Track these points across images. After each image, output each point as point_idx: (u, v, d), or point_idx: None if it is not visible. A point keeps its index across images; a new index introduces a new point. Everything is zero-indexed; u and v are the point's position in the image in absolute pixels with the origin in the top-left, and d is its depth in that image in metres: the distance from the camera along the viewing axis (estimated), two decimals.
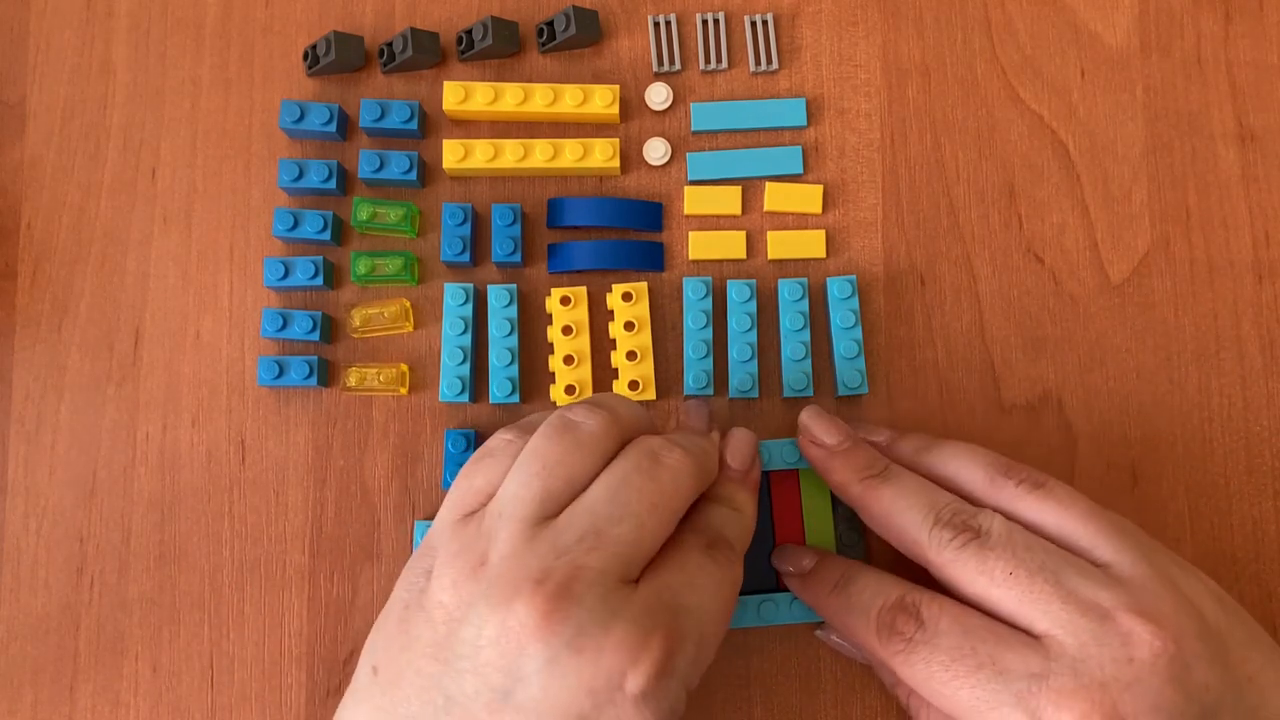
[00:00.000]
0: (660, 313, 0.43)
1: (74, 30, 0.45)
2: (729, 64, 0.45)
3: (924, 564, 0.36)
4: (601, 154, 0.43)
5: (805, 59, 0.45)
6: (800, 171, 0.44)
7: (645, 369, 0.42)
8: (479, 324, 0.43)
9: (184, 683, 0.41)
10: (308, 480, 0.42)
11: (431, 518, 0.41)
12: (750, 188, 0.44)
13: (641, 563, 0.32)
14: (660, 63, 0.45)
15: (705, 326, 0.42)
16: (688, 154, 0.44)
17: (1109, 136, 0.44)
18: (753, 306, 0.42)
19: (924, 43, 0.45)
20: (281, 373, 0.42)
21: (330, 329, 0.43)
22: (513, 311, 0.42)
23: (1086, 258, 0.43)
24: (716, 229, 0.44)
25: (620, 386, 0.42)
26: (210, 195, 0.44)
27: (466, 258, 0.42)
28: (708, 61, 0.44)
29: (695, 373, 0.42)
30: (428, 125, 0.44)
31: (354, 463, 0.42)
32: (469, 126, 0.44)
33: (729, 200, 0.44)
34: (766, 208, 0.44)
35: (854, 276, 0.42)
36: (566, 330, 0.42)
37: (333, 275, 0.43)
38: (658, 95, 0.44)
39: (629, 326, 0.42)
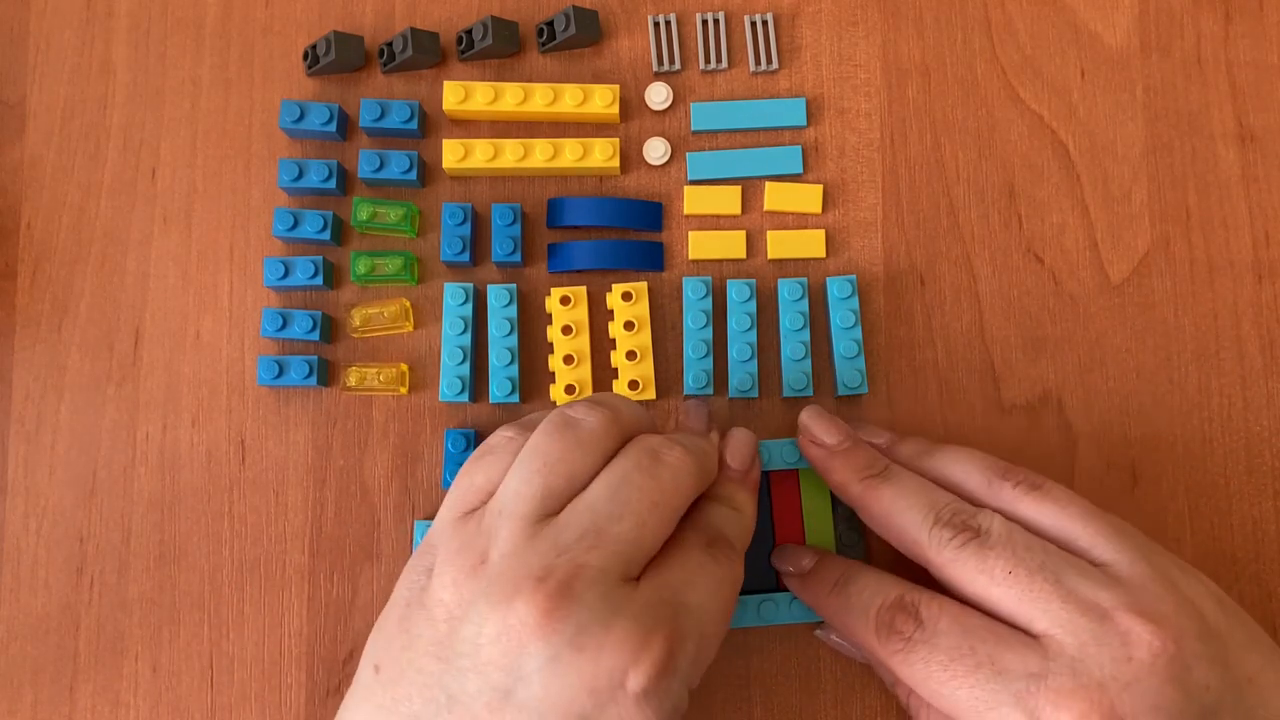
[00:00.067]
0: (660, 312, 0.43)
1: (74, 30, 0.45)
2: (729, 64, 0.45)
3: (924, 564, 0.36)
4: (601, 154, 0.43)
5: (805, 59, 0.45)
6: (800, 171, 0.44)
7: (645, 369, 0.42)
8: (479, 324, 0.43)
9: (184, 683, 0.41)
10: (308, 480, 0.42)
11: (431, 518, 0.41)
12: (750, 187, 0.44)
13: (642, 561, 0.32)
14: (660, 62, 0.45)
15: (705, 326, 0.42)
16: (688, 154, 0.44)
17: (1109, 136, 0.44)
18: (752, 306, 0.42)
19: (924, 43, 0.45)
20: (281, 372, 0.42)
21: (330, 329, 0.43)
22: (513, 311, 0.42)
23: (1086, 258, 0.43)
24: (716, 229, 0.44)
25: (620, 386, 0.42)
26: (210, 195, 0.44)
27: (466, 257, 0.42)
28: (708, 61, 0.44)
29: (695, 372, 0.42)
30: (428, 125, 0.44)
31: (354, 463, 0.42)
32: (469, 126, 0.44)
33: (729, 200, 0.44)
34: (766, 207, 0.44)
35: (854, 276, 0.42)
36: (566, 330, 0.42)
37: (333, 275, 0.43)
38: (658, 95, 0.44)
39: (629, 326, 0.42)
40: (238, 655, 0.41)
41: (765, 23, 0.45)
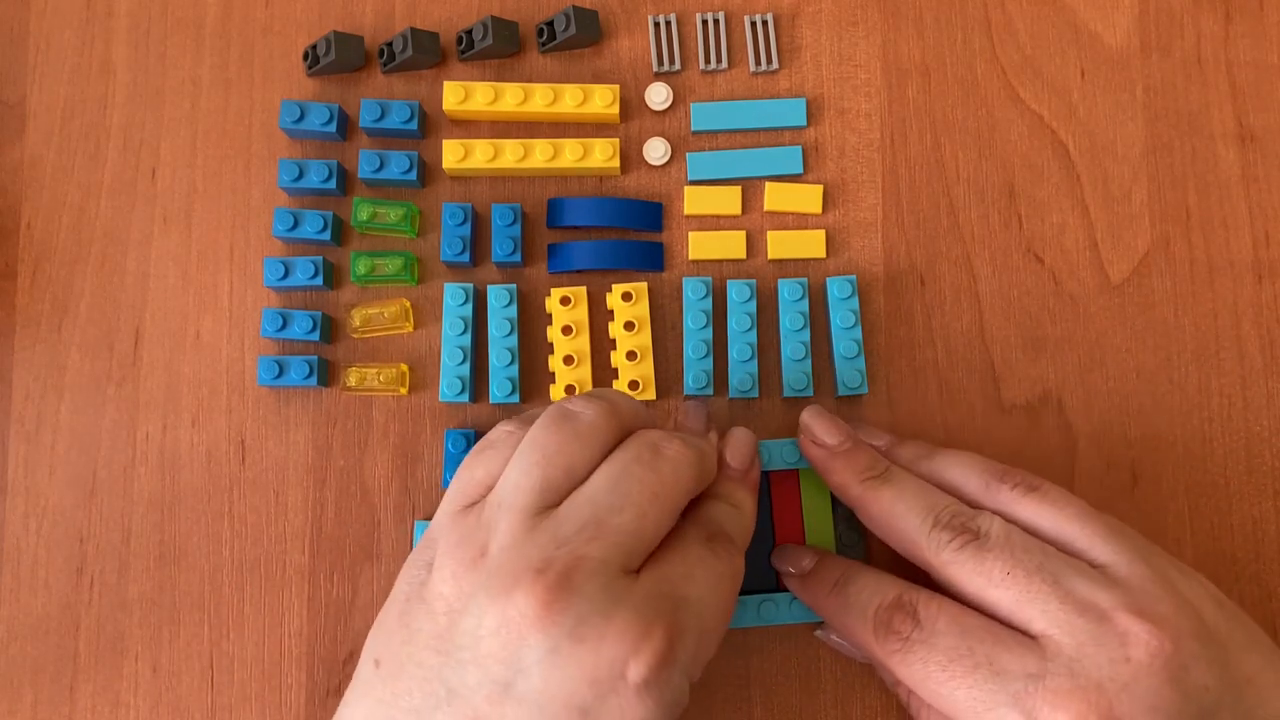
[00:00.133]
0: (660, 313, 0.43)
1: (74, 30, 0.45)
2: (729, 64, 0.45)
3: (923, 566, 0.36)
4: (601, 154, 0.43)
5: (805, 59, 0.45)
6: (800, 171, 0.44)
7: (645, 369, 0.42)
8: (479, 324, 0.43)
9: (184, 683, 0.41)
10: (308, 480, 0.42)
11: (431, 518, 0.41)
12: (750, 188, 0.44)
13: (642, 553, 0.32)
14: (660, 63, 0.45)
15: (705, 326, 0.42)
16: (688, 154, 0.44)
17: (1109, 136, 0.44)
18: (753, 306, 0.42)
19: (924, 43, 0.45)
20: (281, 373, 0.42)
21: (330, 329, 0.43)
22: (513, 311, 0.42)
23: (1086, 258, 0.43)
24: (716, 229, 0.44)
25: (620, 386, 0.42)
26: (210, 195, 0.44)
27: (466, 258, 0.42)
28: (708, 61, 0.44)
29: (695, 373, 0.42)
30: (428, 125, 0.44)
31: (354, 463, 0.42)
32: (469, 126, 0.44)
33: (729, 200, 0.44)
34: (766, 208, 0.44)
35: (854, 276, 0.42)
36: (566, 330, 0.42)
37: (333, 275, 0.43)
38: (658, 95, 0.44)
39: (629, 326, 0.42)
40: (238, 655, 0.41)
41: (765, 23, 0.45)
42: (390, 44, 0.44)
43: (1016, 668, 0.32)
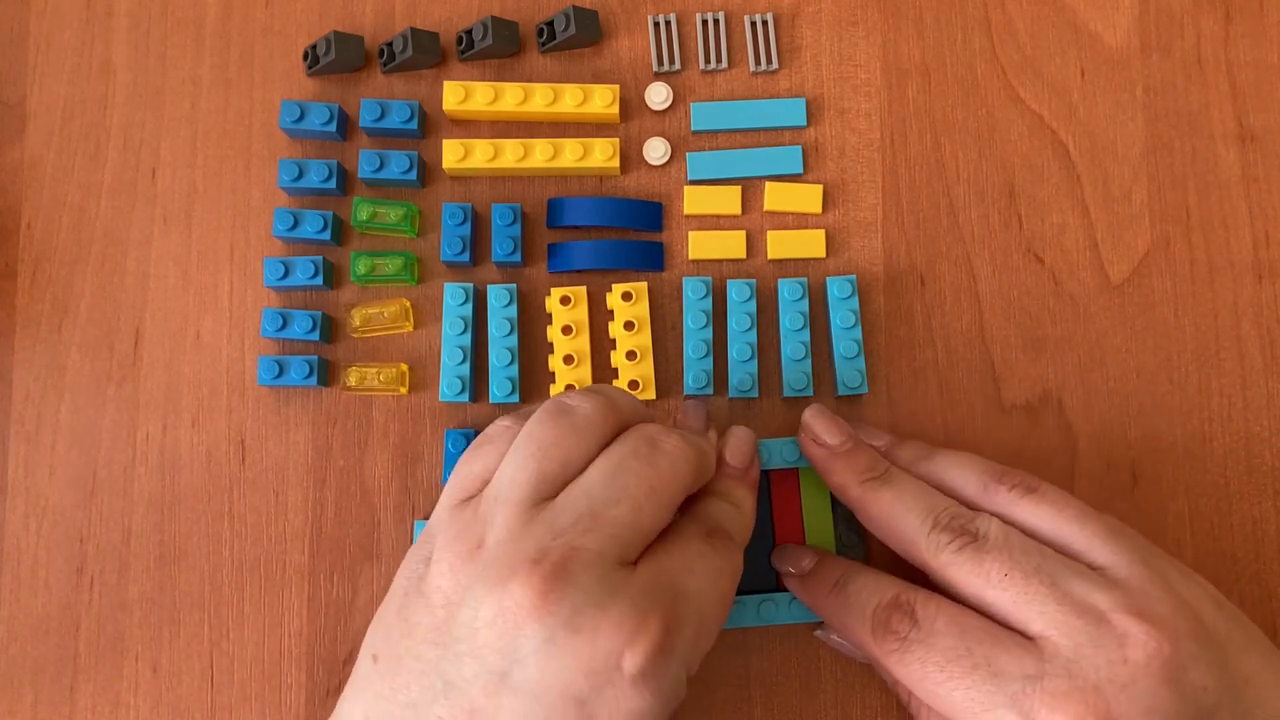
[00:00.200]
0: (660, 312, 0.43)
1: (74, 30, 0.45)
2: (729, 64, 0.45)
3: (921, 567, 0.36)
4: (601, 154, 0.43)
5: (805, 59, 0.45)
6: (800, 171, 0.44)
7: (645, 369, 0.42)
8: (479, 324, 0.43)
9: (184, 683, 0.41)
10: (308, 480, 0.42)
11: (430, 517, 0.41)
12: (750, 188, 0.44)
13: (639, 546, 0.32)
14: (660, 62, 0.45)
15: (705, 326, 0.42)
16: (688, 154, 0.44)
17: (1109, 136, 0.44)
18: (753, 306, 0.42)
19: (924, 43, 0.45)
20: (281, 372, 0.42)
21: (330, 329, 0.43)
22: (513, 311, 0.42)
23: (1086, 258, 0.43)
24: (716, 229, 0.44)
25: (620, 386, 0.42)
26: (210, 195, 0.44)
27: (466, 257, 0.42)
28: (708, 61, 0.44)
29: (695, 372, 0.42)
30: (428, 125, 0.44)
31: (354, 463, 0.42)
32: (469, 126, 0.44)
33: (729, 200, 0.44)
34: (766, 208, 0.44)
35: (854, 276, 0.42)
36: (566, 330, 0.42)
37: (333, 275, 0.43)
38: (658, 95, 0.44)
39: (629, 326, 0.42)
40: (238, 655, 0.41)
41: (765, 23, 0.45)
42: (390, 44, 0.44)
43: (1014, 669, 0.32)
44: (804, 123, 0.44)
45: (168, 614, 0.41)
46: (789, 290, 0.42)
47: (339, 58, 0.43)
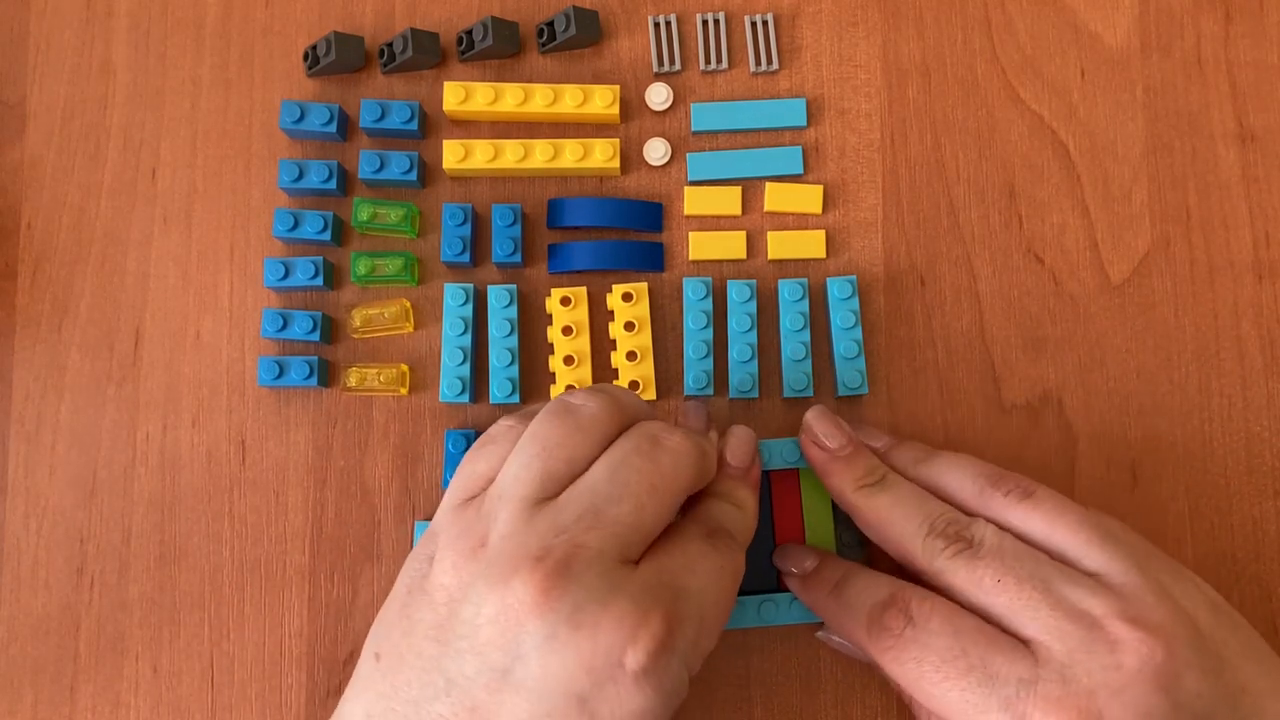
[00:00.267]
0: (660, 313, 0.43)
1: (74, 30, 0.45)
2: (729, 64, 0.45)
3: (917, 573, 0.36)
4: (601, 154, 0.43)
5: (805, 59, 0.45)
6: (800, 171, 0.44)
7: (645, 369, 0.42)
8: (479, 324, 0.43)
9: (184, 683, 0.41)
10: (308, 480, 0.42)
11: (431, 518, 0.41)
12: (750, 188, 0.44)
13: (641, 544, 0.32)
14: (660, 63, 0.45)
15: (705, 327, 0.42)
16: (688, 154, 0.44)
17: (1109, 136, 0.44)
18: (753, 307, 0.42)
19: (924, 43, 0.45)
20: (282, 373, 0.42)
21: (330, 329, 0.43)
22: (513, 312, 0.42)
23: (1086, 258, 0.43)
24: (716, 229, 0.44)
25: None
26: (210, 195, 0.44)
27: (466, 258, 0.42)
28: (708, 61, 0.44)
29: (695, 373, 0.42)
30: (428, 125, 0.44)
31: (354, 463, 0.42)
32: (469, 127, 0.44)
33: (729, 200, 0.44)
34: (766, 208, 0.44)
35: (854, 277, 0.42)
36: (566, 330, 0.42)
37: (333, 275, 0.43)
38: (658, 95, 0.44)
39: (629, 327, 0.42)
40: (238, 655, 0.41)
41: (765, 23, 0.45)
42: (390, 44, 0.44)
43: (1009, 672, 0.32)
44: (804, 123, 0.44)
45: (168, 614, 0.41)
46: (789, 291, 0.42)
47: (339, 58, 0.43)
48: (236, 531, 0.42)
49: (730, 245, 0.43)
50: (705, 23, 0.45)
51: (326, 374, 0.43)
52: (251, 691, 0.41)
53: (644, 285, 0.42)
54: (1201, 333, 0.43)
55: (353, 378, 0.42)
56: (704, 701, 0.41)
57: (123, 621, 0.41)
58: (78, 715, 0.41)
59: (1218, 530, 0.42)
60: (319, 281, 0.42)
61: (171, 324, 0.43)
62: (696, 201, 0.44)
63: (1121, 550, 0.34)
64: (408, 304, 0.43)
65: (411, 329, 0.43)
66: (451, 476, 0.41)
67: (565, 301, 0.42)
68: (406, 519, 0.42)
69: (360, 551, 0.42)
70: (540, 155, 0.43)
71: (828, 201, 0.44)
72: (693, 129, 0.44)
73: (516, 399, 0.42)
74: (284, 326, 0.42)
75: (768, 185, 0.44)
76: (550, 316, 0.42)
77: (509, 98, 0.43)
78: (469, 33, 0.44)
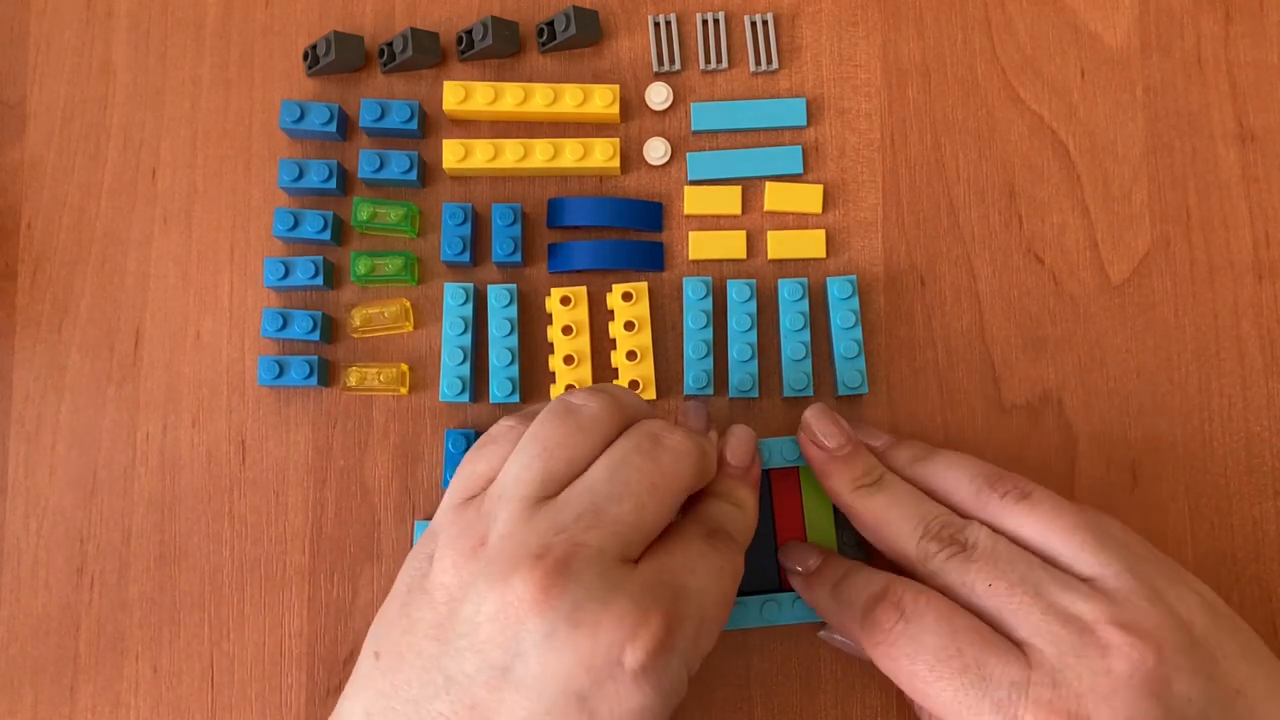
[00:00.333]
0: (660, 313, 0.43)
1: (74, 30, 0.45)
2: (729, 64, 0.45)
3: (912, 575, 0.36)
4: (601, 154, 0.43)
5: (805, 59, 0.45)
6: (800, 171, 0.44)
7: (645, 369, 0.42)
8: (479, 324, 0.43)
9: (184, 683, 0.41)
10: (308, 480, 0.42)
11: (431, 518, 0.41)
12: (750, 188, 0.44)
13: (641, 543, 0.32)
14: (660, 63, 0.45)
15: (705, 326, 0.42)
16: (688, 154, 0.44)
17: (1109, 136, 0.44)
18: (753, 306, 0.42)
19: (924, 43, 0.45)
20: (282, 373, 0.42)
21: (330, 329, 0.43)
22: (513, 311, 0.42)
23: (1086, 258, 0.43)
24: (716, 229, 0.44)
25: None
26: (210, 195, 0.44)
27: (466, 258, 0.42)
28: (708, 61, 0.44)
29: (695, 372, 0.42)
30: (428, 125, 0.44)
31: (354, 463, 0.42)
32: (469, 126, 0.44)
33: (729, 200, 0.44)
34: (766, 208, 0.44)
35: (854, 276, 0.42)
36: (566, 330, 0.42)
37: (333, 275, 0.43)
38: (658, 95, 0.44)
39: (629, 326, 0.42)
40: (238, 655, 0.41)
41: (765, 23, 0.45)
42: (390, 44, 0.44)
43: (1002, 674, 0.32)
44: (804, 123, 0.44)
45: (168, 614, 0.41)
46: (789, 290, 0.42)
47: (339, 58, 0.43)
48: (236, 531, 0.42)
49: (730, 245, 0.43)
50: (705, 22, 0.45)
51: (326, 374, 0.43)
52: (251, 691, 0.41)
53: (644, 285, 0.42)
54: (1201, 333, 0.43)
55: (353, 377, 0.42)
56: (704, 701, 0.41)
57: (123, 621, 0.41)
58: (78, 715, 0.41)
59: (1218, 530, 0.42)
60: (319, 281, 0.42)
61: (171, 324, 0.43)
62: (696, 201, 0.44)
63: (1116, 554, 0.34)
64: (408, 303, 0.43)
65: (411, 328, 0.43)
66: (451, 476, 0.41)
67: (565, 301, 0.42)
68: (406, 519, 0.42)
69: (360, 551, 0.42)
70: (540, 155, 0.43)
71: (828, 201, 0.44)
72: (693, 129, 0.44)
73: (516, 398, 0.42)
74: (284, 326, 0.42)
75: (768, 185, 0.44)
76: (550, 316, 0.42)
77: (509, 97, 0.43)
78: (469, 32, 0.44)
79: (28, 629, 0.41)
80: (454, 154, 0.43)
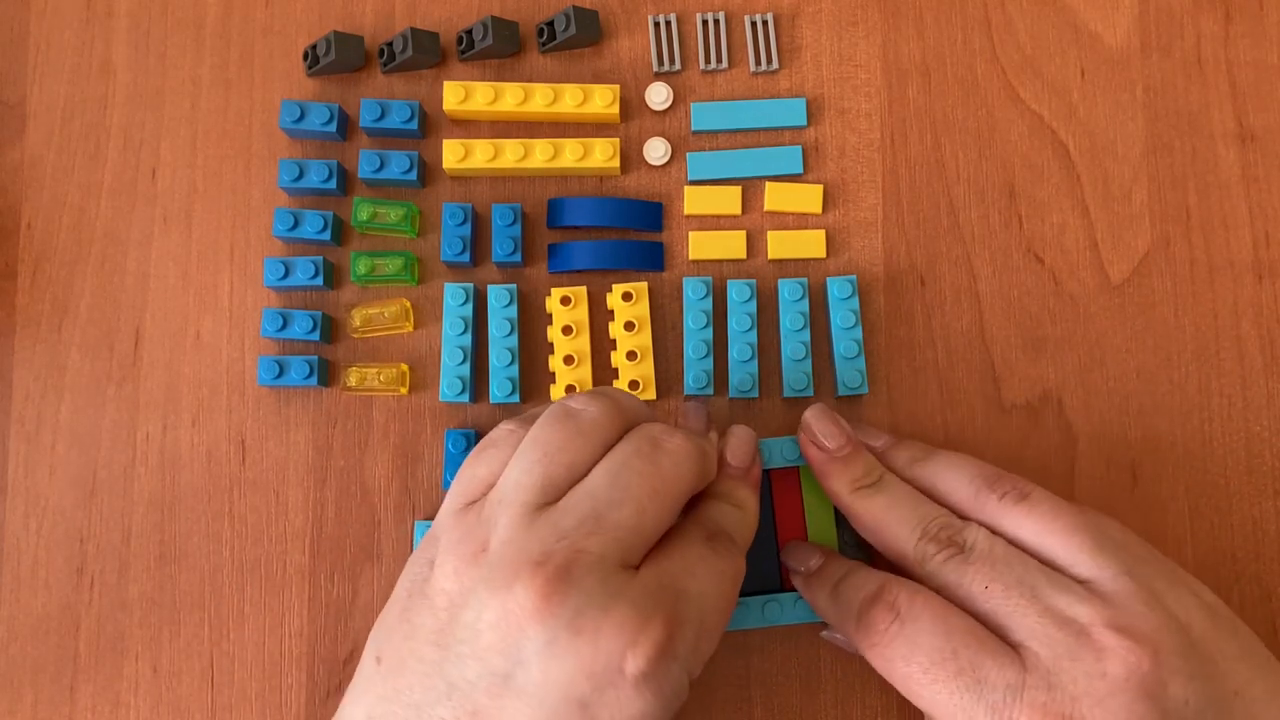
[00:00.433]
0: (660, 313, 0.43)
1: (74, 30, 0.45)
2: (729, 64, 0.45)
3: (910, 577, 0.36)
4: (601, 154, 0.43)
5: (805, 59, 0.45)
6: (800, 171, 0.44)
7: (645, 369, 0.42)
8: (479, 324, 0.43)
9: (184, 683, 0.41)
10: (308, 480, 0.42)
11: (432, 518, 0.41)
12: (750, 188, 0.44)
13: (642, 548, 0.32)
14: (660, 63, 0.45)
15: (705, 326, 0.42)
16: (688, 154, 0.44)
17: (1109, 136, 0.44)
18: (753, 306, 0.42)
19: (924, 43, 0.45)
20: (282, 373, 0.42)
21: (330, 329, 0.43)
22: (513, 311, 0.42)
23: (1086, 258, 0.43)
24: (716, 229, 0.44)
25: (620, 386, 0.42)
26: (210, 195, 0.44)
27: (466, 258, 0.42)
28: (708, 61, 0.44)
29: (695, 373, 0.42)
30: (428, 125, 0.44)
31: (354, 463, 0.42)
32: (469, 126, 0.44)
33: (729, 200, 0.44)
34: (766, 208, 0.44)
35: (854, 276, 0.42)
36: (566, 330, 0.42)
37: (333, 275, 0.43)
38: (658, 95, 0.44)
39: (629, 326, 0.42)
40: (238, 655, 0.41)
41: (765, 23, 0.45)
42: (390, 44, 0.44)
43: (997, 677, 0.32)
44: (804, 123, 0.44)
45: (168, 614, 0.41)
46: (789, 290, 0.42)
47: (339, 58, 0.43)
48: (236, 531, 0.42)
49: (730, 245, 0.43)
50: (705, 22, 0.45)
51: (326, 374, 0.43)
52: (251, 691, 0.41)
53: (644, 285, 0.42)
54: (1201, 332, 0.43)
55: (353, 377, 0.42)
56: (704, 702, 0.41)
57: (123, 621, 0.41)
58: (78, 715, 0.41)
59: (1218, 530, 0.42)
60: (319, 281, 0.42)
61: (171, 324, 0.43)
62: (696, 201, 0.44)
63: (1114, 556, 0.34)
64: (408, 303, 0.43)
65: (411, 328, 0.43)
66: (452, 476, 0.41)
67: (565, 301, 0.42)
68: (406, 519, 0.42)
69: (360, 551, 0.42)
70: (540, 155, 0.43)
71: (828, 201, 0.44)
72: (693, 129, 0.44)
73: (516, 398, 0.42)
74: (284, 326, 0.42)
75: (768, 185, 0.44)
76: (550, 316, 0.42)
77: (509, 97, 0.43)
78: (469, 32, 0.44)
79: (28, 629, 0.41)
80: (454, 154, 0.43)
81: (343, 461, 0.42)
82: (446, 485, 0.41)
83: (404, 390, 0.42)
